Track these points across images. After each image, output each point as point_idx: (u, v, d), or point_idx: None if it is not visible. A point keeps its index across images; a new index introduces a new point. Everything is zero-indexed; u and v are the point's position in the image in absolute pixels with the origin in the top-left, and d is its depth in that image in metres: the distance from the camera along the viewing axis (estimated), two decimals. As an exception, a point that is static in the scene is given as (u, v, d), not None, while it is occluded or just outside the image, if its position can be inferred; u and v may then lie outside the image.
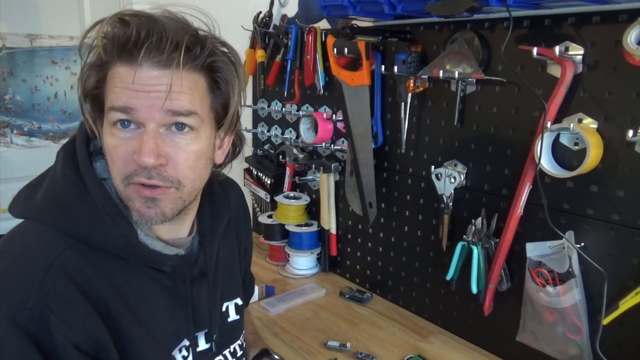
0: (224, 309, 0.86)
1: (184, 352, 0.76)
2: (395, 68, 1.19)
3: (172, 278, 0.73)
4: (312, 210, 1.64)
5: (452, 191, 1.18)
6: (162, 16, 0.63)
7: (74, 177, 0.66)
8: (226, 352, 0.85)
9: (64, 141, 0.72)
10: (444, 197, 1.19)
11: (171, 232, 0.75)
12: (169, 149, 0.64)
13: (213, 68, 0.67)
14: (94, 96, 0.66)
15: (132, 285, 0.69)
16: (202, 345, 0.80)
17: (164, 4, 0.66)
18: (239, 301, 0.89)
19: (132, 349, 0.67)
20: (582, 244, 0.97)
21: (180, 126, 0.64)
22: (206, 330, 0.80)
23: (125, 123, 0.63)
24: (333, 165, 1.48)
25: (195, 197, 0.72)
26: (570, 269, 0.95)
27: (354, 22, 1.28)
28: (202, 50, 0.65)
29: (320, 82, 1.45)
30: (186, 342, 0.76)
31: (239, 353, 0.88)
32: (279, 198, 1.62)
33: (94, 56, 0.64)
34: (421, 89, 1.22)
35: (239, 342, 0.89)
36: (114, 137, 0.64)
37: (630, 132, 0.86)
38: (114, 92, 0.62)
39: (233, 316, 0.87)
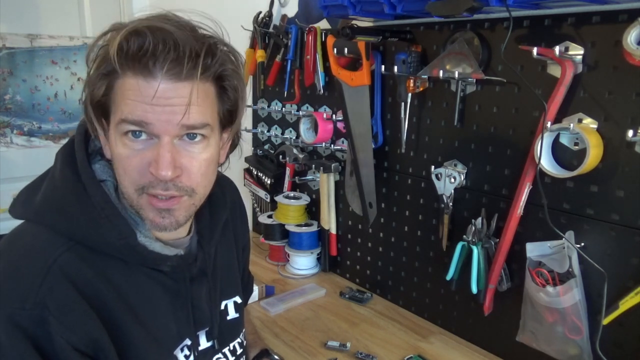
0: (222, 307, 0.86)
1: (186, 352, 0.76)
2: (395, 68, 1.19)
3: (172, 278, 0.74)
4: (312, 210, 1.64)
5: (452, 191, 1.18)
6: (173, 26, 0.62)
7: (73, 179, 0.67)
8: (226, 350, 0.85)
9: (64, 141, 0.72)
10: (444, 197, 1.19)
11: (175, 233, 0.75)
12: (184, 160, 0.65)
13: (222, 76, 0.68)
14: (100, 103, 0.65)
15: (132, 286, 0.69)
16: (204, 343, 0.80)
17: (166, 8, 0.66)
18: (237, 299, 0.90)
19: (133, 350, 0.67)
20: (582, 244, 0.97)
21: (193, 135, 0.65)
22: (207, 329, 0.80)
23: (137, 133, 0.63)
24: (333, 165, 1.48)
25: (203, 200, 0.73)
26: (570, 269, 0.95)
27: (354, 22, 1.28)
28: (214, 60, 0.65)
29: (320, 82, 1.45)
30: (188, 342, 0.77)
31: (239, 351, 0.88)
32: (279, 198, 1.62)
33: (101, 64, 0.63)
34: (421, 89, 1.22)
35: (238, 340, 0.89)
36: (126, 147, 0.64)
37: (630, 132, 0.86)
38: (127, 104, 0.62)
39: (232, 314, 0.87)
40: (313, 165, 1.53)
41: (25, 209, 0.68)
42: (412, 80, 1.21)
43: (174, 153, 0.63)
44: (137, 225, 0.70)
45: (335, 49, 1.33)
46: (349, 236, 1.53)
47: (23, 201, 0.70)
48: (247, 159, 1.79)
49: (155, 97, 0.60)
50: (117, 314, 0.66)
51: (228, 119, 0.72)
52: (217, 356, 0.83)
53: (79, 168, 0.67)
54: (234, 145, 0.80)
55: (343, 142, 1.47)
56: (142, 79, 0.61)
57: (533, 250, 1.01)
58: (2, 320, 0.58)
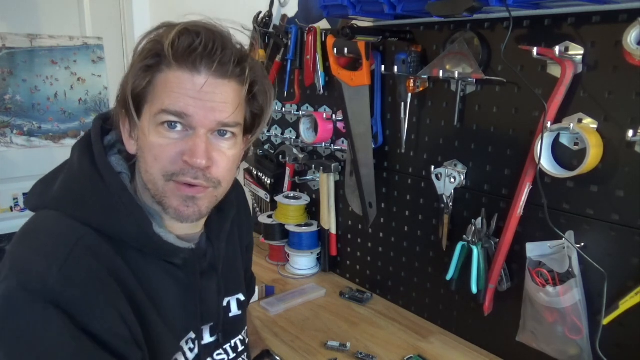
0: (225, 303, 0.87)
1: (190, 344, 0.78)
2: (395, 68, 1.19)
3: (183, 271, 0.75)
4: (312, 210, 1.64)
5: (452, 191, 1.18)
6: (222, 30, 0.67)
7: (91, 169, 0.69)
8: (227, 346, 0.86)
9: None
10: (444, 197, 1.19)
11: (188, 228, 0.77)
12: (215, 153, 0.69)
13: (254, 81, 0.72)
14: (137, 95, 0.68)
15: (147, 275, 0.70)
16: (207, 338, 0.82)
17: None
18: (241, 297, 0.91)
19: (151, 333, 0.69)
20: (582, 244, 0.97)
21: (224, 132, 0.69)
22: (212, 324, 0.82)
23: (173, 124, 0.66)
24: (333, 165, 1.48)
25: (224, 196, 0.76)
26: (570, 269, 0.95)
27: (354, 22, 1.28)
28: (250, 65, 0.70)
29: (320, 82, 1.45)
30: (192, 335, 0.78)
31: (240, 348, 0.89)
32: (279, 198, 1.62)
33: (147, 57, 0.66)
34: (421, 89, 1.22)
35: (240, 337, 0.90)
36: (161, 136, 0.67)
37: (630, 132, 0.86)
38: (169, 96, 0.65)
39: (235, 311, 0.88)
40: (313, 165, 1.53)
41: (42, 198, 0.70)
42: (412, 80, 1.21)
43: (208, 145, 0.67)
44: (153, 216, 0.72)
45: (335, 49, 1.33)
46: (349, 236, 1.53)
47: (39, 193, 0.71)
48: (247, 159, 1.78)
49: (197, 91, 0.65)
50: (137, 296, 0.67)
51: (251, 123, 0.76)
52: (217, 351, 0.84)
53: (96, 159, 0.69)
54: (245, 154, 0.83)
55: (343, 142, 1.47)
56: (187, 73, 0.65)
57: (533, 250, 1.01)
58: (29, 294, 0.58)
